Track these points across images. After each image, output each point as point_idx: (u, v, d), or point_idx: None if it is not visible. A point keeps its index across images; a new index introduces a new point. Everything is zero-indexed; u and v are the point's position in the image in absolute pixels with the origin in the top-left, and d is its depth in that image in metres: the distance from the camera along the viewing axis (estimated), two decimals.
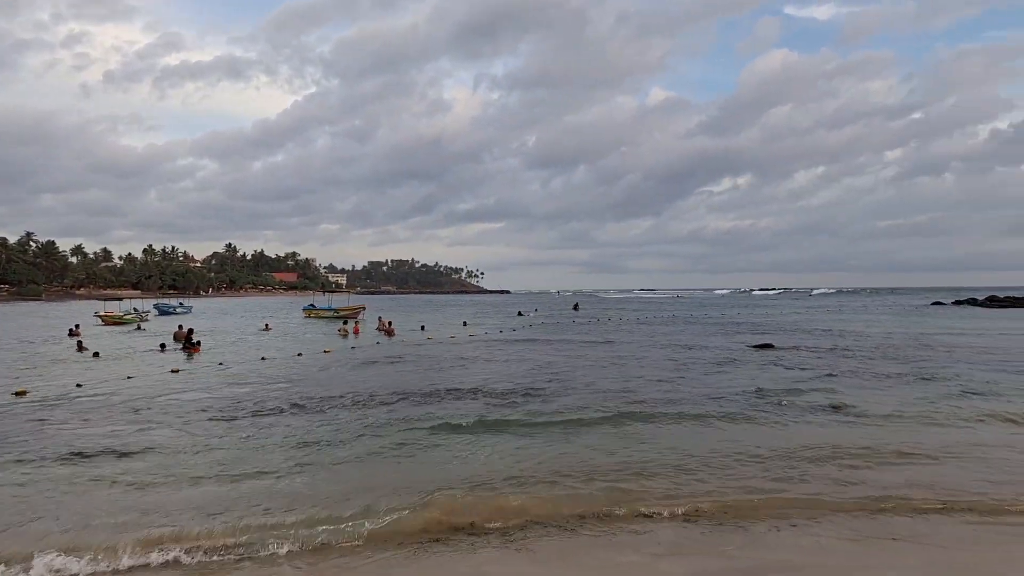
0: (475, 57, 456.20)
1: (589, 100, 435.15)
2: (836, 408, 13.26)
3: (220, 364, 21.29)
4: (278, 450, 10.05)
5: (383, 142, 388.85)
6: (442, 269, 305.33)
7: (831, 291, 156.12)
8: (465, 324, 44.95)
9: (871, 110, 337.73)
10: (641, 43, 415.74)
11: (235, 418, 12.52)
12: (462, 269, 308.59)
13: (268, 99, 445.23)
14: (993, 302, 69.56)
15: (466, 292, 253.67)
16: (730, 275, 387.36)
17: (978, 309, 64.01)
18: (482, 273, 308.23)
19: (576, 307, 78.14)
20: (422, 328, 38.75)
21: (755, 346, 27.03)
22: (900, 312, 59.58)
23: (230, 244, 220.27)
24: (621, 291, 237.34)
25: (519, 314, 59.26)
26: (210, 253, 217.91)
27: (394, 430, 11.28)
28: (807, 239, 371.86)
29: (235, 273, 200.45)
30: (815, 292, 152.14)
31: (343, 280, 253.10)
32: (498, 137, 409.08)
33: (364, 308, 55.22)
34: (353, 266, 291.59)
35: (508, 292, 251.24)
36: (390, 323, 37.79)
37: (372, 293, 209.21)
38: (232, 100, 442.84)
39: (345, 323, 38.49)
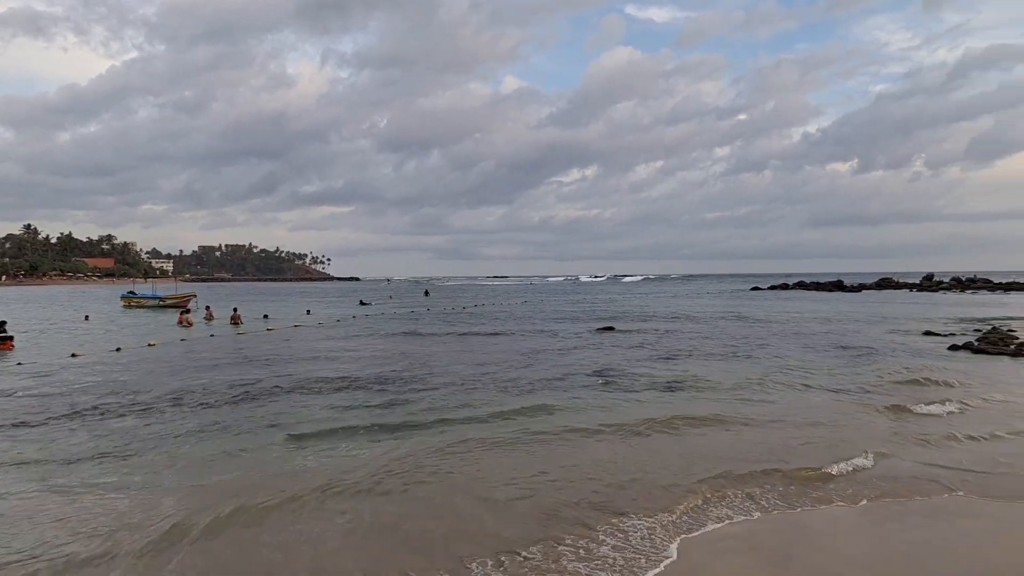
0: (322, 32, 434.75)
1: (442, 84, 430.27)
2: (674, 384, 14.05)
3: (19, 364, 18.54)
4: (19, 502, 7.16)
5: (218, 116, 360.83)
6: (284, 255, 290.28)
7: (639, 278, 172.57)
8: (309, 313, 43.00)
9: (703, 110, 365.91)
10: (494, 31, 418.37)
11: (20, 432, 10.86)
12: (307, 255, 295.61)
13: (78, 62, 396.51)
14: (802, 287, 78.83)
15: (311, 279, 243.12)
16: (577, 262, 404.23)
17: (792, 292, 72.21)
18: (328, 259, 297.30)
19: (427, 293, 77.81)
20: (265, 317, 36.42)
21: (599, 329, 28.26)
22: (726, 296, 65.29)
23: (29, 225, 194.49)
24: (468, 278, 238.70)
25: (361, 303, 57.62)
26: (3, 235, 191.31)
27: (219, 452, 10.31)
28: (646, 228, 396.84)
29: (37, 258, 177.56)
30: (625, 279, 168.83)
31: (169, 267, 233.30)
32: (347, 117, 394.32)
33: (195, 296, 51.04)
34: (181, 251, 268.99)
35: (358, 279, 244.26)
36: (236, 310, 35.15)
37: (204, 281, 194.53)
38: (32, 60, 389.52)
39: (187, 312, 35.37)
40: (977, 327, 26.89)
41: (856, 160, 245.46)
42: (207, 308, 38.25)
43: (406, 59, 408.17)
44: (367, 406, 12.23)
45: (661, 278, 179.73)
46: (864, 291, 71.56)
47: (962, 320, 31.37)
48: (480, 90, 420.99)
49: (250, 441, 9.66)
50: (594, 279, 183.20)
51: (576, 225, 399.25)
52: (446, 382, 14.90)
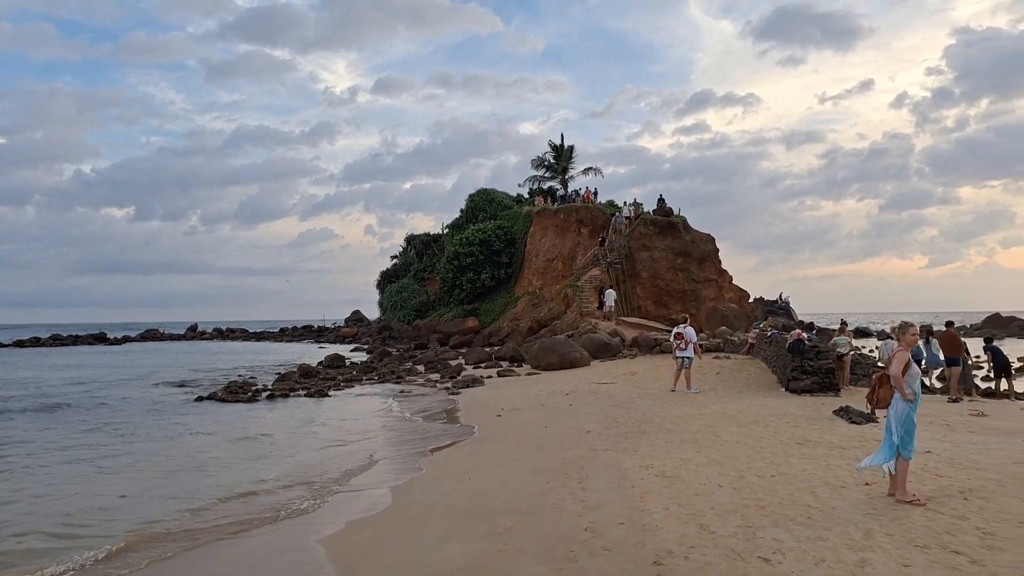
0: None
1: None
2: None
3: None
4: None
5: None
6: None
7: None
8: None
9: None
10: None
11: None
12: None
13: None
14: (58, 341, 68.81)
15: None
16: None
17: (42, 349, 62.03)
18: None
19: None
20: None
21: None
22: None
23: None
24: None
25: None
26: None
27: None
28: None
29: None
30: None
31: None
32: None
33: None
34: None
35: None
36: None
37: None
38: None
39: None
40: (227, 375, 28.87)
41: (133, 207, 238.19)
42: None
43: None
44: None
45: None
46: (128, 343, 69.17)
47: (217, 369, 33.29)
48: None
49: None
50: None
51: None
52: None
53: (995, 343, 16.81)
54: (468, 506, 8.12)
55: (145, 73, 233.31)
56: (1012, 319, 57.78)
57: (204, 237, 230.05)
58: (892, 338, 16.85)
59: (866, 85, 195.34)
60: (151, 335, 78.38)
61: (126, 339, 72.26)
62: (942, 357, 16.80)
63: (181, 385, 25.39)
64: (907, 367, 7.07)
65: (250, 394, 21.31)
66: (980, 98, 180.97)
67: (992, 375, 16.68)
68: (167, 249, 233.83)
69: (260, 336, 77.86)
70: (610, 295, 34.39)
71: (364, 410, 18.30)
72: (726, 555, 5.63)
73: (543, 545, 6.39)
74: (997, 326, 52.30)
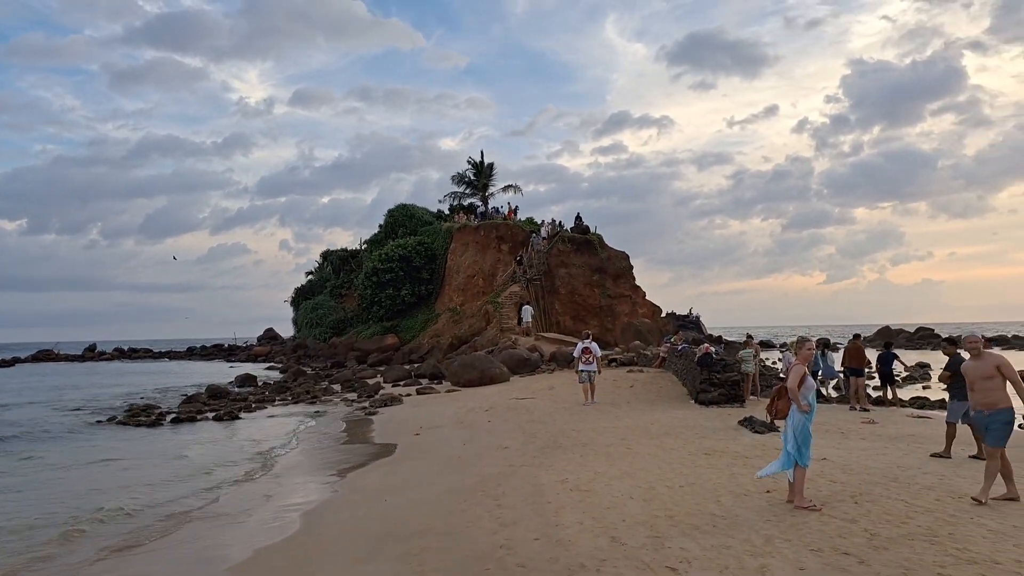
0: None
1: None
2: None
3: None
4: None
5: None
6: None
7: None
8: None
9: None
10: None
11: None
12: None
13: None
14: None
15: None
16: None
17: None
18: None
19: None
20: None
21: None
22: None
23: None
24: None
25: None
26: None
27: None
28: None
29: None
30: None
31: None
32: None
33: None
34: None
35: None
36: None
37: None
38: None
39: None
40: (129, 397, 27.27)
41: (26, 220, 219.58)
42: None
43: None
44: None
45: None
46: (19, 364, 64.40)
47: (118, 392, 31.36)
48: None
49: None
50: None
51: None
52: None
53: (893, 350, 17.89)
54: (383, 528, 7.98)
55: (40, 77, 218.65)
56: (900, 331, 62.08)
57: (105, 252, 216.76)
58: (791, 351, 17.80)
59: (771, 111, 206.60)
60: (44, 356, 72.89)
61: (16, 360, 67.18)
62: (837, 368, 17.86)
63: (77, 409, 23.73)
64: (803, 380, 7.51)
65: (154, 418, 20.15)
66: (873, 125, 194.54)
67: (879, 383, 17.87)
68: (64, 264, 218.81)
69: (166, 356, 74.01)
70: (527, 311, 34.73)
71: (276, 432, 17.67)
72: (636, 566, 5.79)
73: (459, 564, 6.37)
74: (886, 338, 56.12)
